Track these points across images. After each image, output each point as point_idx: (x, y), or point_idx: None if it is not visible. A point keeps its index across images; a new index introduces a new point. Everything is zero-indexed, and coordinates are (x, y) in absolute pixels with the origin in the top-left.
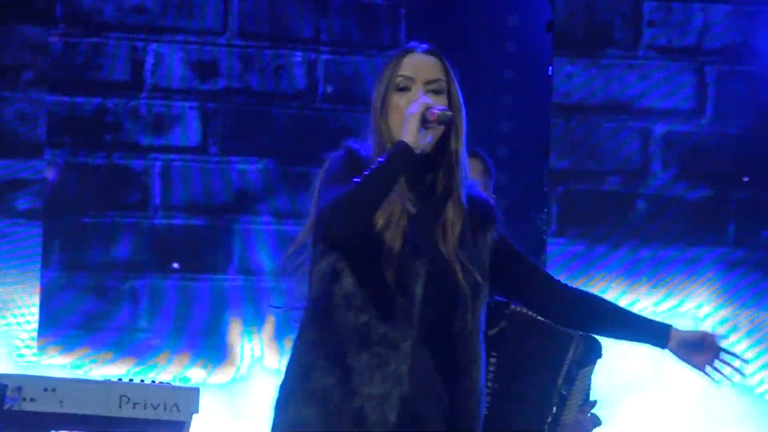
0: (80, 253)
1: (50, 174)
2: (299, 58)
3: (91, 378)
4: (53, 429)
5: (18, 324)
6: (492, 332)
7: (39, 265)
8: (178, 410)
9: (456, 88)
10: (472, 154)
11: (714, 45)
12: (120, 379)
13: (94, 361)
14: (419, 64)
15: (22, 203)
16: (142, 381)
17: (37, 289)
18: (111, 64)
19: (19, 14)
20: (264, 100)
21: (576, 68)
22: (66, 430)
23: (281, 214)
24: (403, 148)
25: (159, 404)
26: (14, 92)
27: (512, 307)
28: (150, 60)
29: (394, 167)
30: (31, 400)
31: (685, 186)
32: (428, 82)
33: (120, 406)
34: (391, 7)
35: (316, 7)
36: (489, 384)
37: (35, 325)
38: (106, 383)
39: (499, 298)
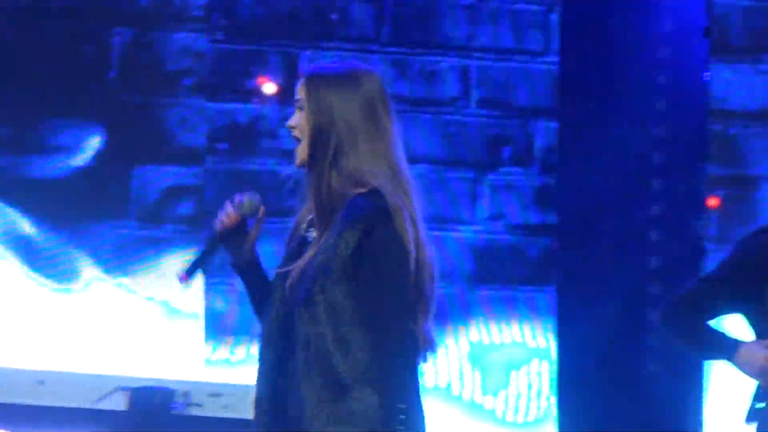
0: None
1: (209, 180)
2: (451, 65)
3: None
4: None
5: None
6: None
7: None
8: None
9: (312, 101)
10: None
11: None
12: None
13: None
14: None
15: (184, 209)
16: None
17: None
18: (266, 71)
19: (178, 21)
20: (416, 106)
21: (734, 74)
22: None
23: (437, 220)
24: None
25: None
26: (175, 98)
27: None
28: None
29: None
30: (197, 405)
31: None
32: (295, 103)
33: None
34: (543, 14)
35: (468, 13)
36: None
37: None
38: None
39: None
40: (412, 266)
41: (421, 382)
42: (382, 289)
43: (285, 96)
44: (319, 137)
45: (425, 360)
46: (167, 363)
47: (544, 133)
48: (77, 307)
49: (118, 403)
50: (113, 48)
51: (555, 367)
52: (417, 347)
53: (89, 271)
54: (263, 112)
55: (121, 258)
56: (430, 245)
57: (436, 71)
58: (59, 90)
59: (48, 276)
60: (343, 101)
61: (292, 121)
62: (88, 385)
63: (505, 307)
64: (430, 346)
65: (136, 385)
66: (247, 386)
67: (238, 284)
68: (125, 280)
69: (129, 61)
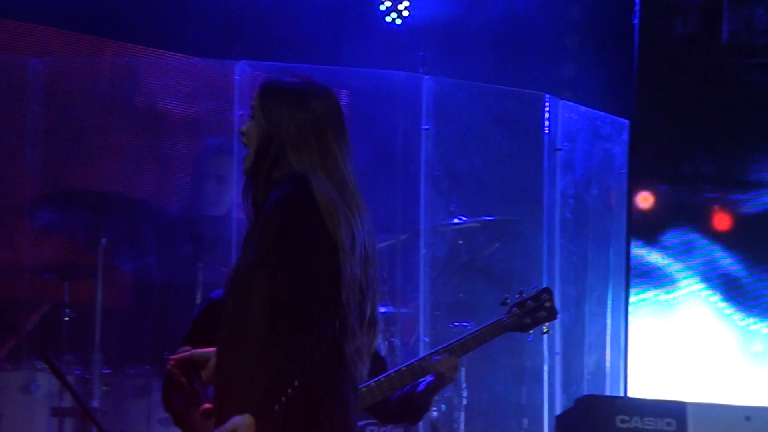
0: None
1: None
2: None
3: None
4: None
5: None
6: None
7: None
8: None
9: (263, 112)
10: None
11: None
12: None
13: None
14: None
15: None
16: None
17: None
18: None
19: None
20: None
21: None
22: None
23: None
24: None
25: None
26: None
27: None
28: None
29: None
30: None
31: None
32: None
33: None
34: None
35: None
36: None
37: None
38: None
39: None
40: (344, 265)
41: (336, 384)
42: (297, 278)
43: None
44: (263, 147)
45: (357, 371)
46: None
47: None
48: None
49: None
50: None
51: None
52: (339, 346)
53: None
54: None
55: None
56: (368, 266)
57: None
58: (761, 124)
59: (748, 313)
60: (291, 117)
61: (243, 127)
62: None
63: None
64: (356, 361)
65: None
66: None
67: None
68: None
69: None
